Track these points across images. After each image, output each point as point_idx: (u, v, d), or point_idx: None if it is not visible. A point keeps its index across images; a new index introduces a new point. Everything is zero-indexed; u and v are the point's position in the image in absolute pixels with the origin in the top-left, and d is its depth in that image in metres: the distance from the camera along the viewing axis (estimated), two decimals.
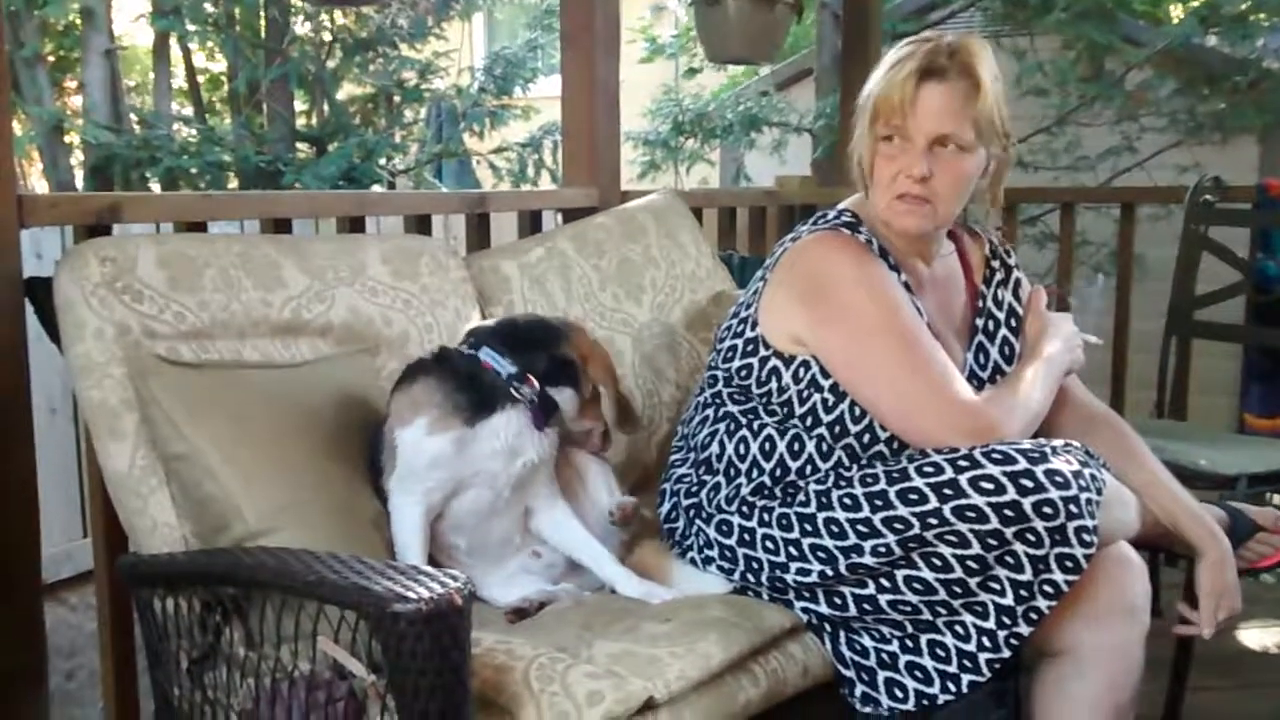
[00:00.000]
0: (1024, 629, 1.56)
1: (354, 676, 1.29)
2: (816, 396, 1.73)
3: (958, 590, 1.57)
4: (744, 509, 1.74)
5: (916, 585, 1.59)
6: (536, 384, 1.68)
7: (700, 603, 1.64)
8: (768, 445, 1.76)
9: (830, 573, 1.63)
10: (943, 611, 1.60)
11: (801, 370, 1.73)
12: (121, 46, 8.55)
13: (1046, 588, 1.54)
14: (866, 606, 1.63)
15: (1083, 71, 5.67)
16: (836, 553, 1.62)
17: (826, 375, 1.72)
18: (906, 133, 1.69)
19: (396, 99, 8.36)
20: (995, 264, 1.93)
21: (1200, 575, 1.70)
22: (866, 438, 1.71)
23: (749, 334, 1.79)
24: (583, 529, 1.77)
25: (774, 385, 1.76)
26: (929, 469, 1.57)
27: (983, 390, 1.78)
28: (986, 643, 1.58)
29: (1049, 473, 1.51)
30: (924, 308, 1.77)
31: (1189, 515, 1.73)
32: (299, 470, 1.62)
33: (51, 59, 8.64)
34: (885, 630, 1.65)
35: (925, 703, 1.62)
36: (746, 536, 1.72)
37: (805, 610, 1.69)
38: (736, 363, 1.80)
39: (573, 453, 1.83)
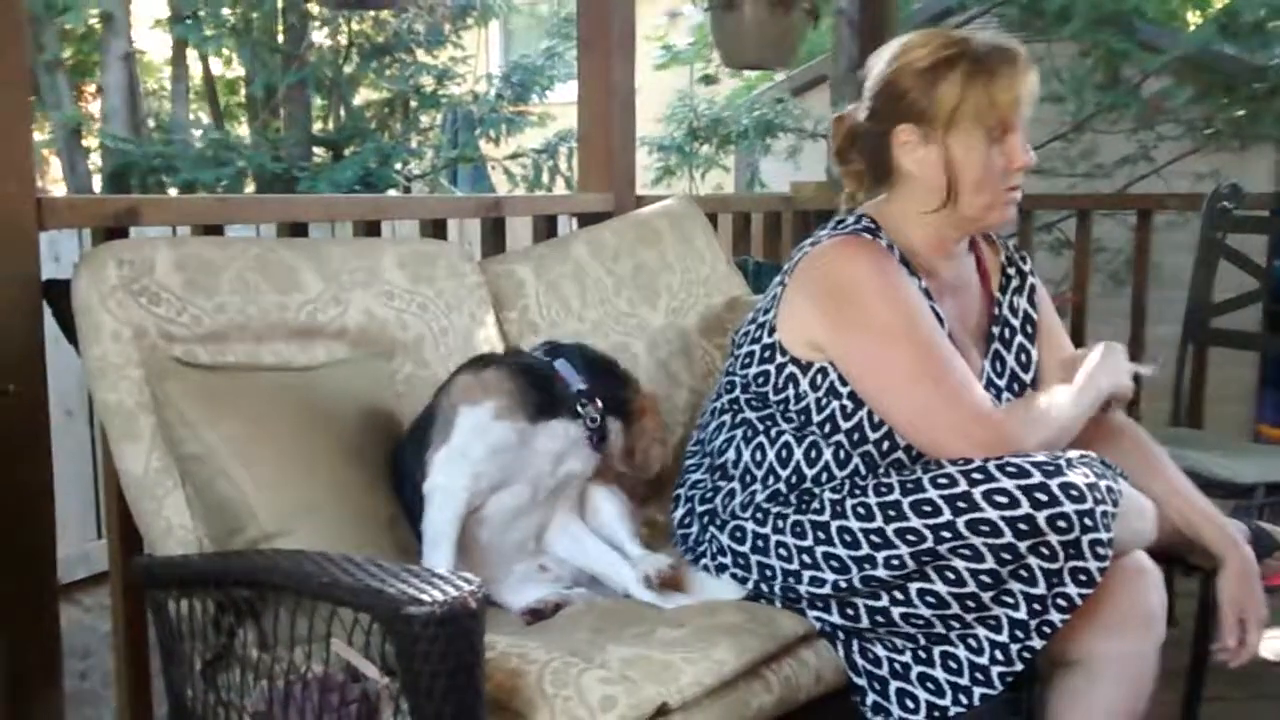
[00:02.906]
0: (1037, 642, 1.55)
1: (367, 679, 1.29)
2: (835, 404, 1.72)
3: (971, 604, 1.56)
4: (758, 516, 1.74)
5: (930, 598, 1.58)
6: (601, 405, 1.72)
7: (714, 608, 1.64)
8: (784, 452, 1.76)
9: (843, 583, 1.62)
10: (955, 624, 1.59)
11: (819, 377, 1.73)
12: (140, 51, 8.59)
13: (1060, 601, 1.53)
14: (879, 618, 1.62)
15: (1099, 78, 5.65)
16: (850, 562, 1.61)
17: (845, 382, 1.71)
18: (1014, 125, 1.72)
19: (413, 104, 8.40)
20: (1011, 271, 1.92)
21: (1222, 585, 1.68)
22: (885, 445, 1.71)
23: (766, 340, 1.78)
24: (595, 539, 1.77)
25: (791, 392, 1.75)
26: (943, 480, 1.56)
27: (1000, 398, 1.78)
28: (999, 655, 1.57)
29: (1063, 486, 1.50)
30: (944, 314, 1.76)
31: (1211, 524, 1.71)
32: (314, 473, 1.63)
33: (70, 63, 8.70)
34: (898, 641, 1.64)
35: (937, 714, 1.61)
36: (760, 543, 1.72)
37: (818, 619, 1.68)
38: (754, 369, 1.79)
39: (589, 488, 1.82)
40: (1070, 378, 1.76)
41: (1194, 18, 7.29)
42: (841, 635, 1.68)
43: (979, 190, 1.73)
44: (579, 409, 1.71)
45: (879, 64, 1.79)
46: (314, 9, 7.81)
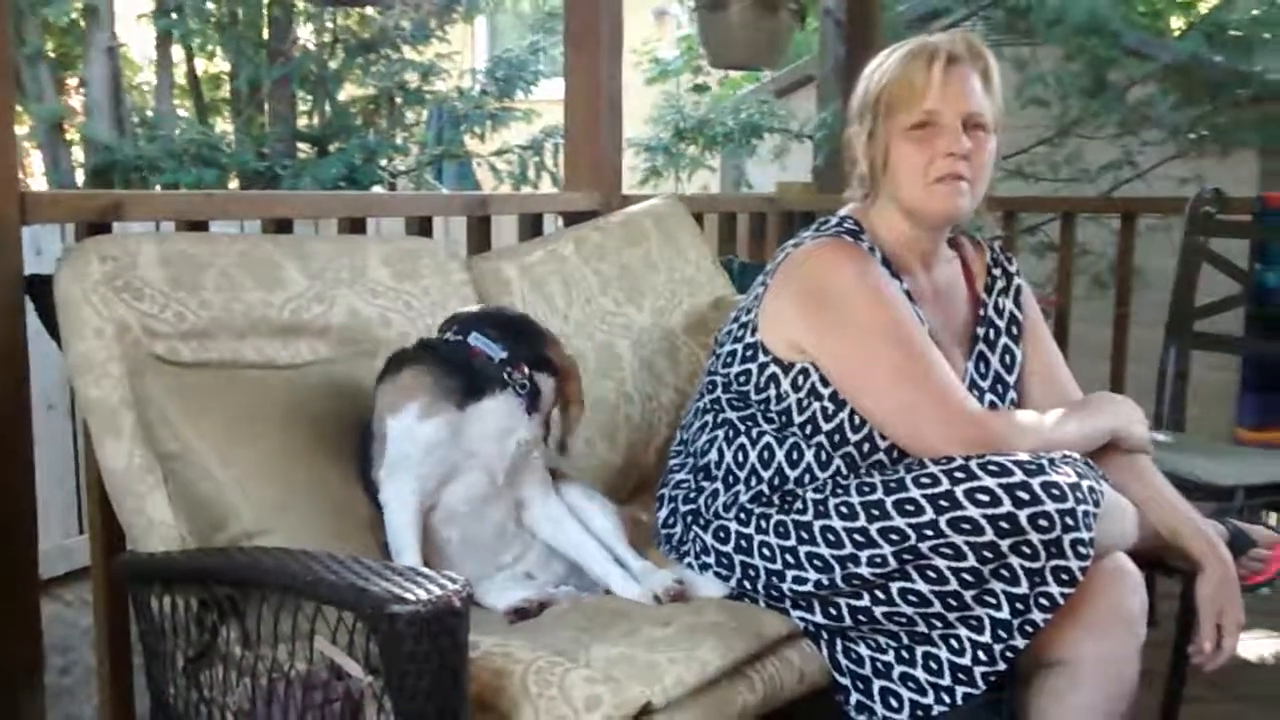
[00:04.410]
0: (1019, 642, 1.55)
1: (350, 677, 1.29)
2: (816, 405, 1.72)
3: (953, 603, 1.57)
4: (741, 516, 1.74)
5: (911, 598, 1.58)
6: (527, 370, 1.69)
7: (698, 607, 1.64)
8: (766, 453, 1.76)
9: (826, 582, 1.62)
10: (938, 624, 1.60)
11: (801, 378, 1.73)
12: (123, 45, 8.54)
13: (1042, 600, 1.53)
14: (861, 618, 1.63)
15: (1085, 84, 5.67)
16: (833, 562, 1.61)
17: (826, 383, 1.71)
18: (939, 116, 1.71)
19: (398, 101, 8.38)
20: (996, 272, 1.93)
21: (1200, 590, 1.69)
22: (866, 446, 1.71)
23: (749, 339, 1.79)
24: (578, 527, 1.76)
25: (772, 392, 1.75)
26: (925, 480, 1.57)
27: (984, 399, 1.79)
28: (982, 655, 1.58)
29: (1045, 485, 1.51)
30: (925, 316, 1.77)
31: (1190, 529, 1.72)
32: (296, 471, 1.62)
33: (53, 54, 8.64)
34: (881, 640, 1.65)
35: (920, 713, 1.62)
36: (744, 543, 1.72)
37: (801, 619, 1.68)
38: (735, 368, 1.79)
39: (571, 495, 1.81)
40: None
41: (1178, 23, 7.31)
42: (825, 634, 1.68)
43: (900, 181, 1.75)
44: (506, 378, 1.67)
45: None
46: (299, 4, 7.79)
